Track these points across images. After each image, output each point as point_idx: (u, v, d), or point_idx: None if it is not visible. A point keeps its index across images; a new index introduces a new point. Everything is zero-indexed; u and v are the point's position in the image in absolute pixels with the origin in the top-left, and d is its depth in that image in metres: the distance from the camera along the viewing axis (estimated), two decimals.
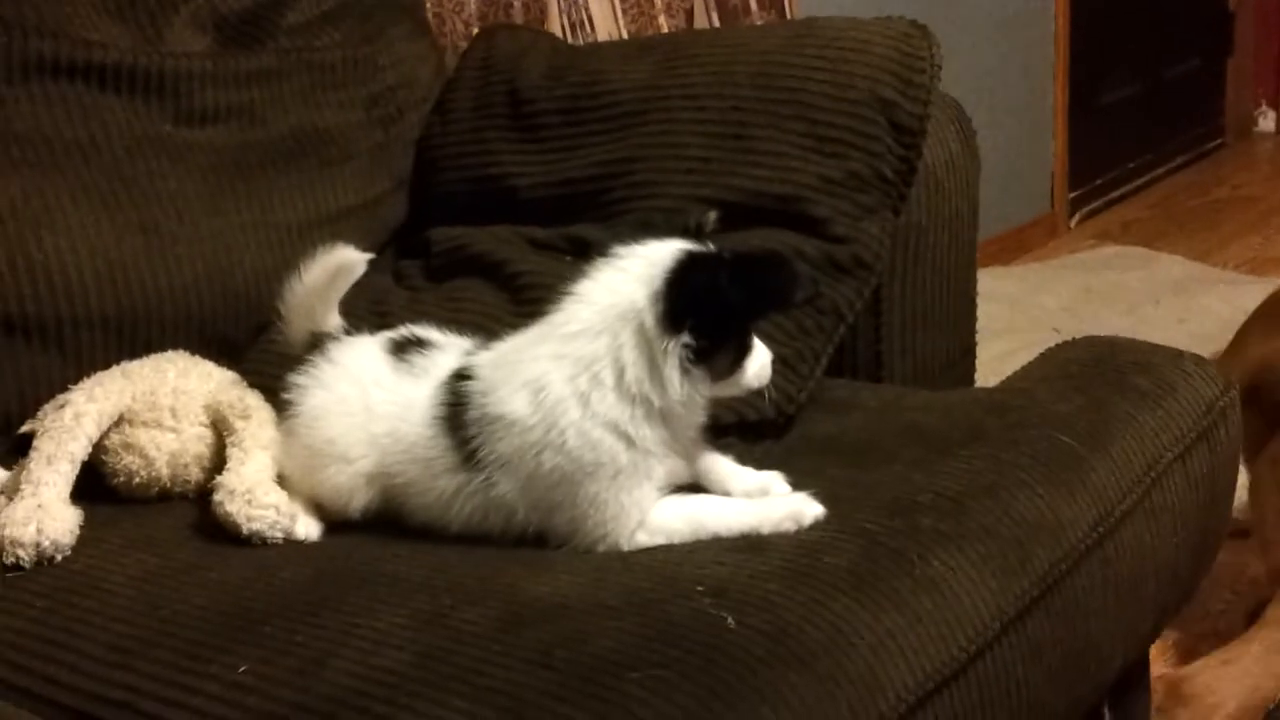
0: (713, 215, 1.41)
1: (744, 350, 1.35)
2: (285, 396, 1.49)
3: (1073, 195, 4.40)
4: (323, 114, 1.93)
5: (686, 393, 1.33)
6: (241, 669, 1.19)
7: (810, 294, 1.42)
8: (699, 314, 1.31)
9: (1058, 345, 1.79)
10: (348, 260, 1.51)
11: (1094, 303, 3.63)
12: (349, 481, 1.44)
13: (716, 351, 1.33)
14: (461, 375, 1.40)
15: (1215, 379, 1.69)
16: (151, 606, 1.31)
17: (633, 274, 1.33)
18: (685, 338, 1.31)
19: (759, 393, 1.42)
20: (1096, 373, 1.68)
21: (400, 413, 1.42)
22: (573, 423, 1.32)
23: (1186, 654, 2.15)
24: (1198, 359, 1.71)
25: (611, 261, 1.35)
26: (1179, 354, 1.72)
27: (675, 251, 1.33)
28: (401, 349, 1.47)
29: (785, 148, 1.77)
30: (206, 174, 1.81)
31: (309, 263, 1.51)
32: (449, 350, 1.47)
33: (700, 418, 1.39)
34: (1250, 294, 3.55)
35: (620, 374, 1.32)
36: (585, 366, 1.33)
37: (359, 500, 1.44)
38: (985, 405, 1.63)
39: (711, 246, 1.35)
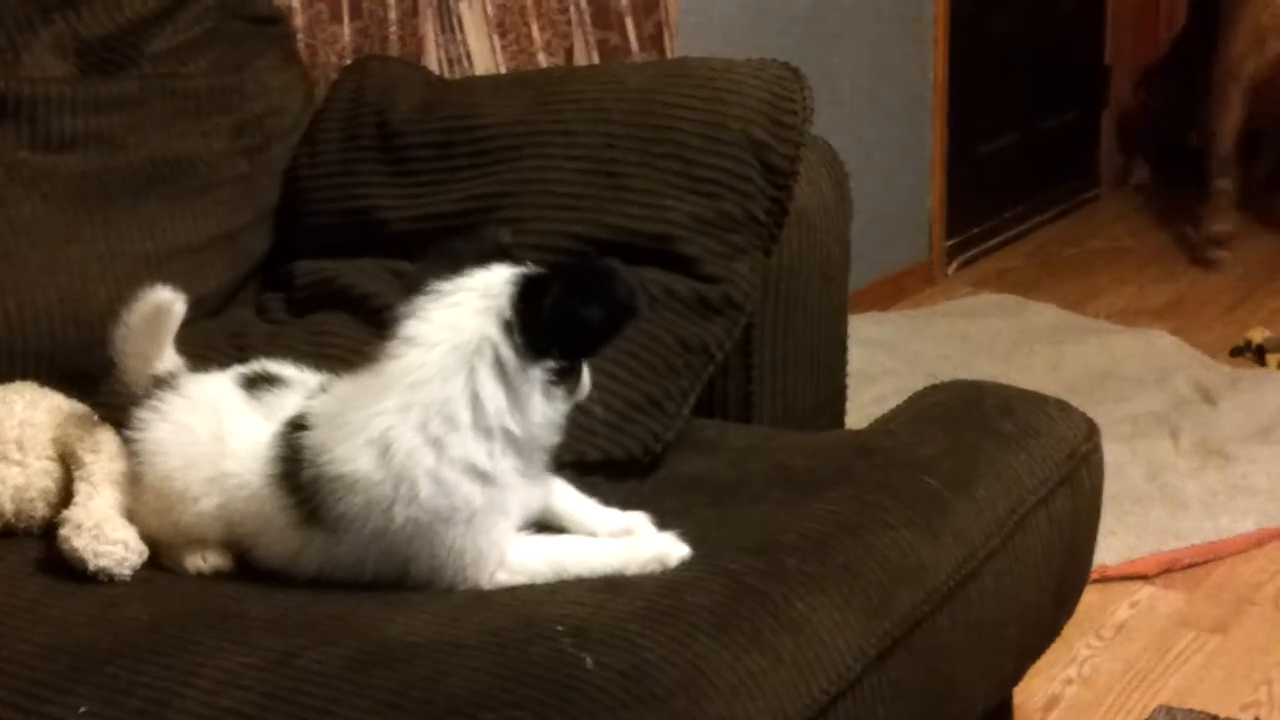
0: (508, 232, 1.40)
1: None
2: (128, 433, 1.44)
3: (950, 243, 4.45)
4: (186, 142, 1.88)
5: (548, 416, 1.32)
6: (82, 710, 1.16)
7: (649, 298, 1.42)
8: (561, 338, 1.30)
9: (926, 389, 1.80)
10: (163, 302, 1.44)
11: (969, 349, 3.66)
12: (197, 521, 1.39)
13: (575, 370, 1.34)
14: (297, 425, 1.35)
15: (1079, 424, 1.71)
16: None
17: (470, 308, 1.29)
18: (549, 363, 1.30)
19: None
20: (962, 416, 1.69)
21: (251, 453, 1.37)
22: (427, 470, 1.29)
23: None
24: (1061, 404, 1.73)
25: (438, 298, 1.31)
26: (1043, 398, 1.73)
27: (510, 278, 1.31)
28: (253, 385, 1.43)
29: (658, 186, 1.76)
30: (63, 201, 1.76)
31: (132, 306, 1.44)
32: (297, 389, 1.42)
33: (556, 438, 1.36)
34: (1122, 344, 3.62)
35: (478, 411, 1.29)
36: (437, 411, 1.29)
37: (215, 533, 1.39)
38: (852, 447, 1.63)
39: (532, 267, 1.33)
